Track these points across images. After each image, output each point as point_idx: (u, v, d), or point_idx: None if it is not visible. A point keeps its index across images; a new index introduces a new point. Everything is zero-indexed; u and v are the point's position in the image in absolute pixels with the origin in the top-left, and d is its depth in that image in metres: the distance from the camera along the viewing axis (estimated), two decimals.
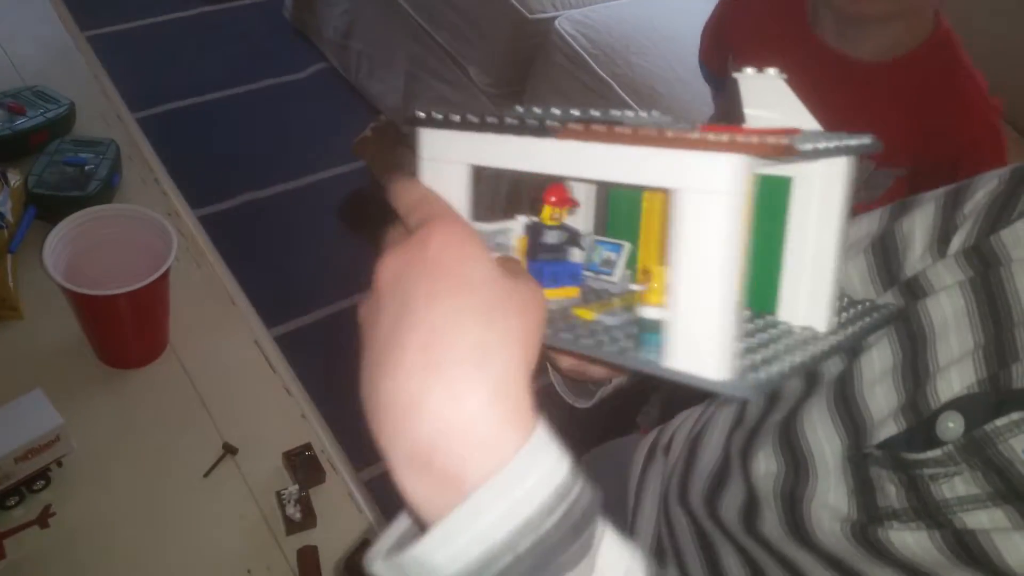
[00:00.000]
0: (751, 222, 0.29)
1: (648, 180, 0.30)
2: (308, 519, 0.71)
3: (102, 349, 0.78)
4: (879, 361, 0.44)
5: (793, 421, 0.47)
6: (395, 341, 0.29)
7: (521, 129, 0.33)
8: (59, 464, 0.70)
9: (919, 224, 0.47)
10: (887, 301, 0.45)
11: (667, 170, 0.29)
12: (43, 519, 0.65)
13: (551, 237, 0.38)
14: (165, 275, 0.74)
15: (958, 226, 0.45)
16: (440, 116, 0.35)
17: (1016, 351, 0.38)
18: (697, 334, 0.29)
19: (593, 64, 1.42)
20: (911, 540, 0.39)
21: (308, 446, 0.76)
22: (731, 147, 0.28)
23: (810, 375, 0.48)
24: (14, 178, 0.85)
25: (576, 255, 0.40)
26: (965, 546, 0.37)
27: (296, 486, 0.73)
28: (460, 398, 0.28)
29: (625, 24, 1.45)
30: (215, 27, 2.08)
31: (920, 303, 0.44)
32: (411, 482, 0.28)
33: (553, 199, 0.37)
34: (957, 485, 0.38)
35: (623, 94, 1.39)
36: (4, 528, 0.64)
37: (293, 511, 0.71)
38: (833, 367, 0.47)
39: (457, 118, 0.35)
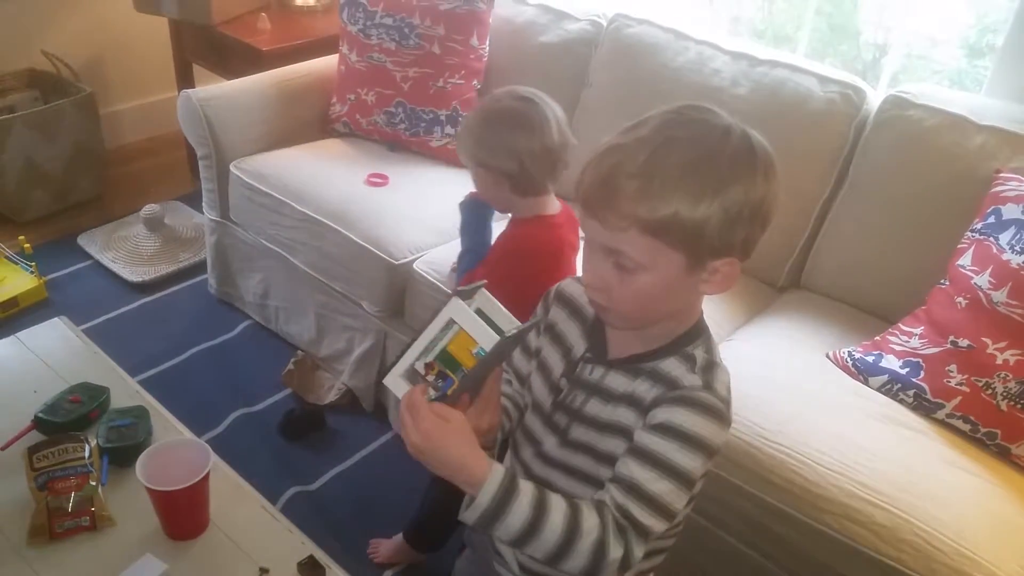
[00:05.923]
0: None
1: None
2: None
3: (171, 528, 1.21)
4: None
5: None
6: (440, 448, 0.85)
7: None
8: None
9: None
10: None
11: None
12: None
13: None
14: (207, 475, 1.21)
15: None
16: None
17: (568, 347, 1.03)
18: None
19: (447, 290, 1.97)
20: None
21: (311, 556, 1.20)
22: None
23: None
24: (92, 440, 1.30)
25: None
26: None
27: None
28: (463, 459, 0.84)
29: None
30: (158, 311, 2.56)
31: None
32: (454, 478, 0.85)
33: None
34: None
35: None
36: None
37: None
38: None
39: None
